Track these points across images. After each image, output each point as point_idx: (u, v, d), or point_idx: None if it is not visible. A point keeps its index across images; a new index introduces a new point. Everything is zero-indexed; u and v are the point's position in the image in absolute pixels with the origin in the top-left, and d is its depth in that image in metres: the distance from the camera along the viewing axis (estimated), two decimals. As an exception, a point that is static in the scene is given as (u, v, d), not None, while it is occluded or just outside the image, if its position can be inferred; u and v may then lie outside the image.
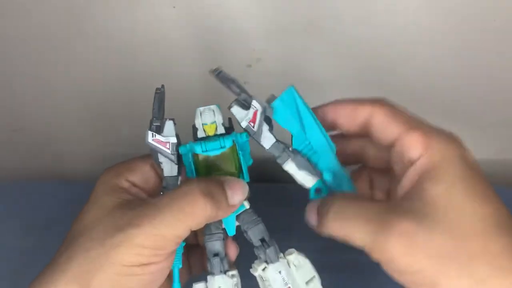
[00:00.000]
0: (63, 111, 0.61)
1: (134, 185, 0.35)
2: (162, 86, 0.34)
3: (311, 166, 0.35)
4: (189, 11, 0.52)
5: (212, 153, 0.33)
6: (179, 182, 0.35)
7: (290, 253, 0.34)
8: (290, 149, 0.35)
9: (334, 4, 0.51)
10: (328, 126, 0.35)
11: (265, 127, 0.34)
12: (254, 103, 0.33)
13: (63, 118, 0.61)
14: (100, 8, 0.52)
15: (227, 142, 0.33)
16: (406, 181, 0.31)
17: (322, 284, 0.34)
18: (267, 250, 0.33)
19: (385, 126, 0.32)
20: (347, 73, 0.56)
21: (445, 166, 0.30)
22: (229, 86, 0.33)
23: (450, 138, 0.31)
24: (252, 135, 0.34)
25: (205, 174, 0.34)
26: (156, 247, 0.30)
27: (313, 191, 0.35)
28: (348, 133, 0.36)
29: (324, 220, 0.31)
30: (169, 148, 0.33)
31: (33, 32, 0.55)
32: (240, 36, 0.54)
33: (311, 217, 0.33)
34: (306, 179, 0.35)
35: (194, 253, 0.39)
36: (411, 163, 0.31)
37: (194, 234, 0.39)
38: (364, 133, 0.34)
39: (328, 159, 0.35)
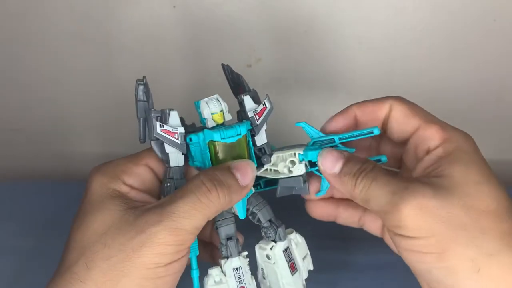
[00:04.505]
0: (63, 111, 0.61)
1: (132, 188, 0.34)
2: (144, 77, 0.34)
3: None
4: (189, 11, 0.52)
5: (229, 140, 0.34)
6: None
7: (290, 232, 0.37)
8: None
9: (334, 4, 0.51)
10: (350, 125, 0.37)
11: (264, 126, 0.36)
12: (267, 101, 0.36)
13: (63, 117, 0.61)
14: (100, 8, 0.52)
15: (243, 130, 0.34)
16: (421, 167, 0.33)
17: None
18: (279, 229, 0.35)
19: (404, 120, 0.35)
20: (347, 73, 0.56)
21: (461, 153, 0.32)
22: (240, 80, 0.35)
23: (465, 134, 0.34)
24: (253, 126, 0.35)
25: (221, 161, 0.34)
26: (178, 242, 0.30)
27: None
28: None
29: (348, 180, 0.33)
30: (177, 138, 0.33)
31: (33, 32, 0.55)
32: (240, 36, 0.54)
33: (331, 164, 0.34)
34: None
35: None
36: (427, 153, 0.33)
37: None
38: (382, 130, 0.36)
39: None
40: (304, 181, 0.37)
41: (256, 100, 0.36)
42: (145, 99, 0.34)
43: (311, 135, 0.36)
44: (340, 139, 0.35)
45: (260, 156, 0.36)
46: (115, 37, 0.54)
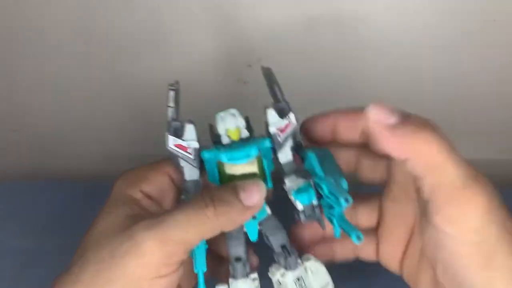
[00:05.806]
0: (63, 110, 0.61)
1: (148, 196, 0.34)
2: (177, 82, 0.32)
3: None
4: (189, 11, 0.52)
5: (237, 162, 0.32)
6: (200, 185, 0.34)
7: (308, 259, 0.34)
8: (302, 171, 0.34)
9: (334, 3, 0.51)
10: (327, 135, 0.34)
11: (289, 143, 0.34)
12: (292, 116, 0.33)
13: (63, 117, 0.61)
14: (101, 8, 0.52)
15: (253, 152, 0.32)
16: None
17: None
18: (288, 259, 0.33)
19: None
20: (347, 72, 0.56)
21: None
22: (273, 87, 0.33)
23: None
24: (274, 144, 0.33)
25: (229, 180, 0.33)
26: (164, 253, 0.29)
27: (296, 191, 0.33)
28: (346, 143, 0.35)
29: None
30: (191, 154, 0.32)
31: (34, 32, 0.55)
32: (240, 36, 0.54)
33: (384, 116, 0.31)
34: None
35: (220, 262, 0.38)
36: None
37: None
38: (362, 143, 0.34)
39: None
40: (308, 216, 0.33)
41: (284, 113, 0.33)
42: (174, 105, 0.32)
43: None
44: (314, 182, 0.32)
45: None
46: (116, 38, 0.54)
